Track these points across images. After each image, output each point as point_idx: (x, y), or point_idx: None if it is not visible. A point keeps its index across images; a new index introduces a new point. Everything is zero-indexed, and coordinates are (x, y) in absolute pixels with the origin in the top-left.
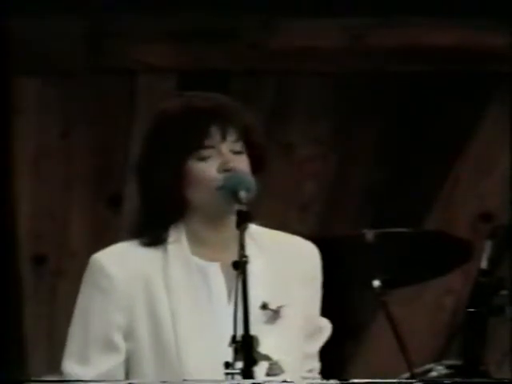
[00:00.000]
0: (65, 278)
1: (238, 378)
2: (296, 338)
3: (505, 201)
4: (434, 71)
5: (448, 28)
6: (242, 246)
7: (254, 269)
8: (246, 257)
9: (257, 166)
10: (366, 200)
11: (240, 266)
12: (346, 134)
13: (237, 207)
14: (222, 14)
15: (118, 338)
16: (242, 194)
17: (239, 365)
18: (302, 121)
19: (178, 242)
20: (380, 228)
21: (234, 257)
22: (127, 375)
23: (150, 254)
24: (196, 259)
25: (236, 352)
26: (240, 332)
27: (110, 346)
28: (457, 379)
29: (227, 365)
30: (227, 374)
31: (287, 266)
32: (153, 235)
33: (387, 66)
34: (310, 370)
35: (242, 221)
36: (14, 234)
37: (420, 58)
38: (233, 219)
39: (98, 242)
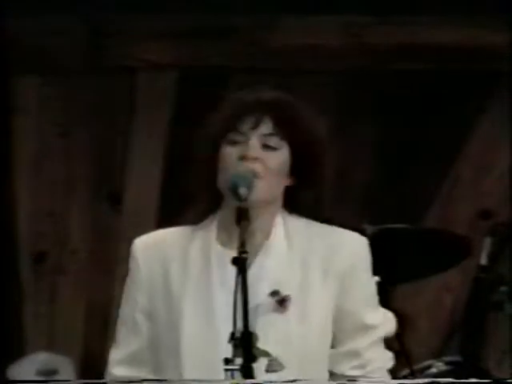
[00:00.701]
0: (65, 276)
1: (238, 374)
2: (314, 328)
3: (504, 198)
4: (433, 70)
5: (448, 26)
6: (242, 243)
7: (274, 252)
8: (245, 253)
9: (302, 172)
10: (366, 198)
11: (239, 263)
12: (346, 132)
13: (237, 204)
14: (222, 11)
15: (141, 320)
16: (242, 191)
17: (238, 361)
18: None
19: (208, 227)
20: (380, 225)
21: (257, 247)
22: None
23: (178, 238)
24: (218, 246)
25: (235, 348)
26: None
27: (134, 328)
28: (457, 380)
29: (227, 361)
30: (226, 370)
31: (315, 257)
32: (197, 218)
33: (387, 65)
34: (357, 367)
35: (242, 218)
36: (14, 233)
37: (420, 57)
38: (257, 210)
39: (98, 240)
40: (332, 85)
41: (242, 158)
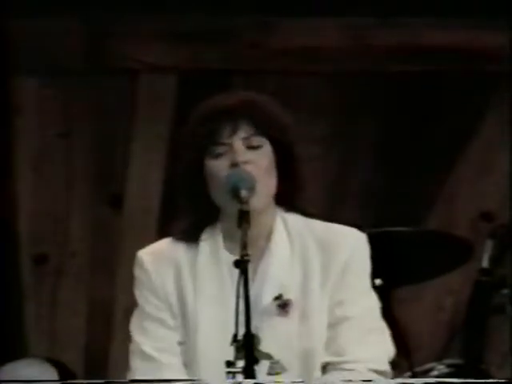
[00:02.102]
0: (65, 277)
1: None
2: (315, 328)
3: (505, 200)
4: (433, 71)
5: (448, 28)
6: (244, 246)
7: (278, 256)
8: (247, 255)
9: (286, 168)
10: (366, 199)
11: (241, 265)
12: (346, 133)
13: (238, 206)
14: (222, 13)
15: (167, 317)
16: (243, 193)
17: (241, 363)
18: (302, 121)
19: (212, 238)
20: (380, 227)
21: (261, 251)
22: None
23: (185, 249)
24: (226, 253)
25: (237, 351)
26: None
27: (163, 323)
28: (457, 380)
29: (229, 363)
30: (228, 372)
31: (314, 259)
32: (188, 232)
33: (387, 66)
34: (332, 353)
35: (244, 220)
36: (15, 234)
37: (420, 58)
38: (257, 213)
39: (99, 241)
40: (332, 86)
41: (233, 165)
